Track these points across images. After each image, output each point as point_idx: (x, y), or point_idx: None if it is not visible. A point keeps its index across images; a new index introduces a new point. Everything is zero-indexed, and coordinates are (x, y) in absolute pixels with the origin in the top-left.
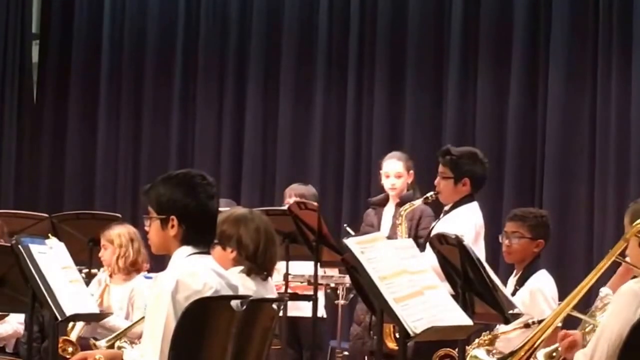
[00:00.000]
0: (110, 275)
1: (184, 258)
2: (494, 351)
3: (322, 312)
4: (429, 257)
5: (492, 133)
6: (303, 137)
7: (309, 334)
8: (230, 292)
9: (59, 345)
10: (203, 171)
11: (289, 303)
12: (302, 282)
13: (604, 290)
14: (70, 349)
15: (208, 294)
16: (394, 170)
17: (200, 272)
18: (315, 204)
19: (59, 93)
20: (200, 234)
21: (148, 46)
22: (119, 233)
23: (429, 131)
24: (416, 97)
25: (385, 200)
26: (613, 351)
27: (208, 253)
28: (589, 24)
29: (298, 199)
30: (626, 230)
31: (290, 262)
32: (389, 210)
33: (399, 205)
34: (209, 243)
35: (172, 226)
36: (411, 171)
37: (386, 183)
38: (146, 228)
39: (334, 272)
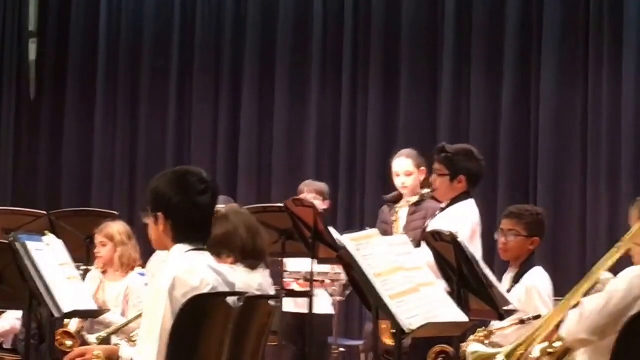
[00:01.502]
0: (104, 272)
1: (181, 255)
2: (486, 342)
3: (330, 309)
4: (425, 253)
5: (486, 131)
6: (299, 134)
7: (313, 330)
8: (227, 289)
9: (57, 338)
10: (199, 168)
11: (295, 300)
12: (299, 279)
13: (604, 274)
14: (68, 343)
15: (205, 290)
16: (403, 169)
17: (197, 269)
18: (312, 201)
19: (56, 90)
20: (192, 230)
21: (144, 43)
22: (119, 230)
23: (424, 129)
24: (410, 96)
25: (399, 197)
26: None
27: (205, 249)
28: (580, 23)
29: (315, 195)
30: (633, 222)
31: (287, 259)
32: (403, 208)
33: (414, 203)
34: (204, 239)
35: (161, 222)
36: (422, 168)
37: (397, 182)
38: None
39: (330, 268)
